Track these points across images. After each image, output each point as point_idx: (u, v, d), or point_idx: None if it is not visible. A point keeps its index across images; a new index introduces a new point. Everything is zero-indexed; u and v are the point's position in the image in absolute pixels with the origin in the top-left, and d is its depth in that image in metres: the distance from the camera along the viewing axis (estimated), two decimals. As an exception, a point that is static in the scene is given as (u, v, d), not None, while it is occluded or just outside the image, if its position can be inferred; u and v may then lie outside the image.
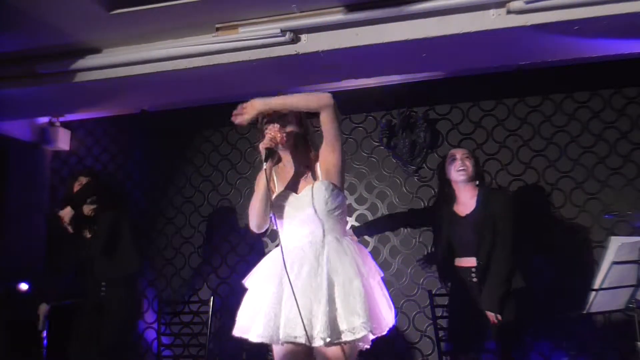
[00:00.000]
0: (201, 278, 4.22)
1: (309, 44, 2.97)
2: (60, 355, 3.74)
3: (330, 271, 1.97)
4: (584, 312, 2.54)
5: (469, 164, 3.06)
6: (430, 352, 3.72)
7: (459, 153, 3.13)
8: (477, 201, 2.99)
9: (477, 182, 3.08)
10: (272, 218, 2.13)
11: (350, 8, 2.82)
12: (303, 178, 2.18)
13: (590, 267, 3.37)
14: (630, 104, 3.66)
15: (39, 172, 4.59)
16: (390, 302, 2.09)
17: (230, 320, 2.15)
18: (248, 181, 4.30)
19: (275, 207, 2.12)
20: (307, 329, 1.86)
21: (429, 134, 3.86)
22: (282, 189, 2.17)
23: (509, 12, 2.69)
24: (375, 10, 2.78)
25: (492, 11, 2.73)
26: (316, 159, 2.19)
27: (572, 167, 3.67)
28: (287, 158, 2.22)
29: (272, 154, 2.06)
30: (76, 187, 3.35)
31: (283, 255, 1.97)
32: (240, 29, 2.98)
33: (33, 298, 3.82)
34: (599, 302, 2.54)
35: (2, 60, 3.30)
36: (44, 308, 3.45)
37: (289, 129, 2.15)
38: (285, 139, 2.10)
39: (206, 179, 4.39)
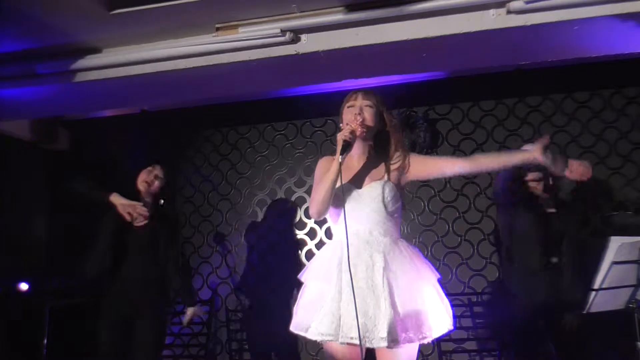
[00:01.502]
0: (201, 278, 4.22)
1: (309, 44, 2.97)
2: (60, 356, 3.74)
3: (389, 274, 1.93)
4: (584, 312, 2.54)
5: None
6: (430, 352, 3.72)
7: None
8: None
9: None
10: (343, 215, 1.97)
11: (350, 8, 2.81)
12: (368, 173, 2.09)
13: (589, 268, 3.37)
14: (630, 104, 3.66)
15: (39, 172, 4.59)
16: (449, 304, 2.03)
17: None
18: (248, 181, 4.30)
19: (336, 197, 2.01)
20: (363, 331, 1.82)
21: (429, 134, 3.86)
22: (344, 180, 2.01)
23: (509, 12, 2.68)
24: (375, 10, 2.78)
25: (492, 11, 2.73)
26: (388, 155, 2.11)
27: (572, 167, 3.66)
28: (357, 148, 2.10)
29: (348, 147, 1.99)
30: (146, 175, 2.99)
31: (349, 253, 1.90)
32: (240, 29, 2.97)
33: (33, 298, 3.82)
34: (599, 302, 2.52)
35: (2, 60, 3.30)
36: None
37: (369, 121, 2.05)
38: (364, 133, 2.03)
39: (206, 179, 4.39)
